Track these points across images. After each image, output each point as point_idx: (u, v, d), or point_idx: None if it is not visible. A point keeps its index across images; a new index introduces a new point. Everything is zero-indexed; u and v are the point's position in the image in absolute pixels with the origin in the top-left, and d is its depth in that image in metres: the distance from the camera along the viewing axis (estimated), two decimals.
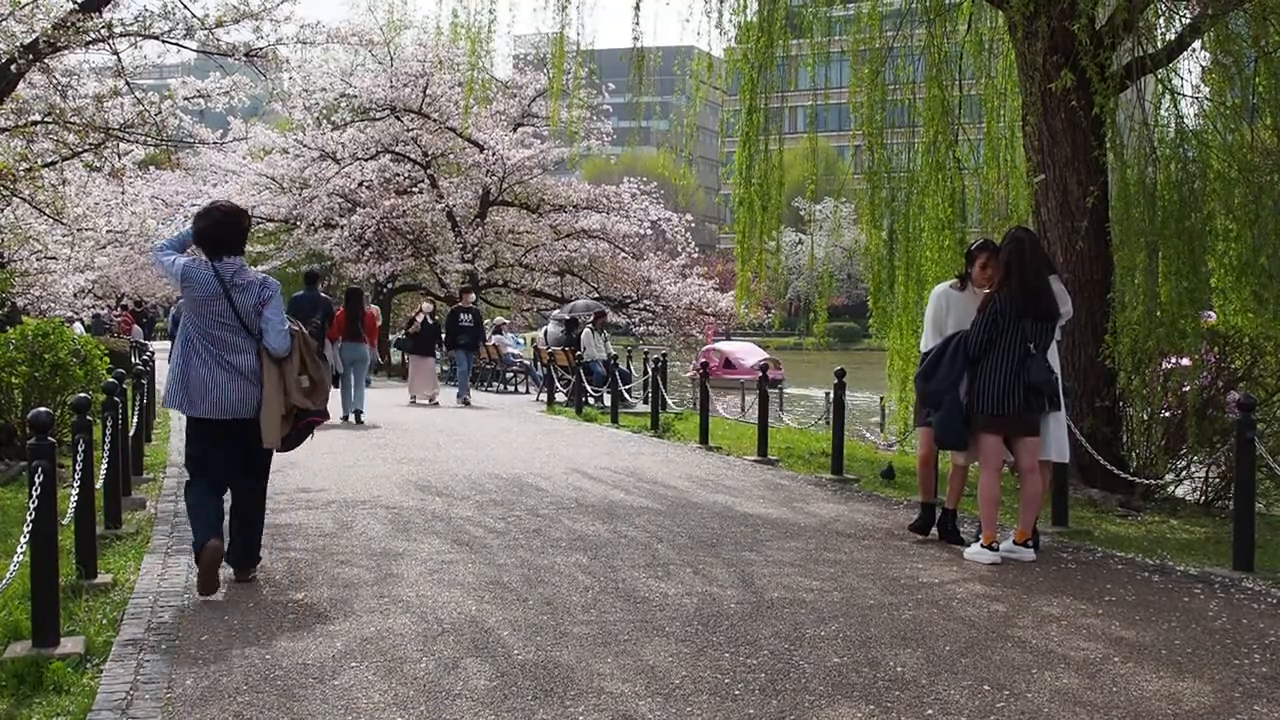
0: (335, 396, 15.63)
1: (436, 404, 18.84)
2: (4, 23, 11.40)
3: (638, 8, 12.19)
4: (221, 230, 6.10)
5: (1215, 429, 9.07)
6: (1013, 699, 4.39)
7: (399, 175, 29.89)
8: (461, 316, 19.87)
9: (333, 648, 5.01)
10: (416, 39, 30.03)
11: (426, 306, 20.25)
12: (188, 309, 6.10)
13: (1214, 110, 9.60)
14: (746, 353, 36.91)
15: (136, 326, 30.73)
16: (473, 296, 21.70)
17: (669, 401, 16.88)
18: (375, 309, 19.31)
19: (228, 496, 6.28)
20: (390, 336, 29.57)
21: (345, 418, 15.42)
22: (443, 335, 20.12)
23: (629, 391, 19.05)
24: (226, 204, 6.49)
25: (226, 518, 6.22)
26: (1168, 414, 9.49)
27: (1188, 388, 9.14)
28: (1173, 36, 9.73)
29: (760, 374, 12.67)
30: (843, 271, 63.65)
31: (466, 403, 19.07)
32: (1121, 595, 6.12)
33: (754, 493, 9.65)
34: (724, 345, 31.09)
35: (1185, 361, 9.12)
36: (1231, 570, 6.58)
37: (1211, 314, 9.56)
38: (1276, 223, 8.82)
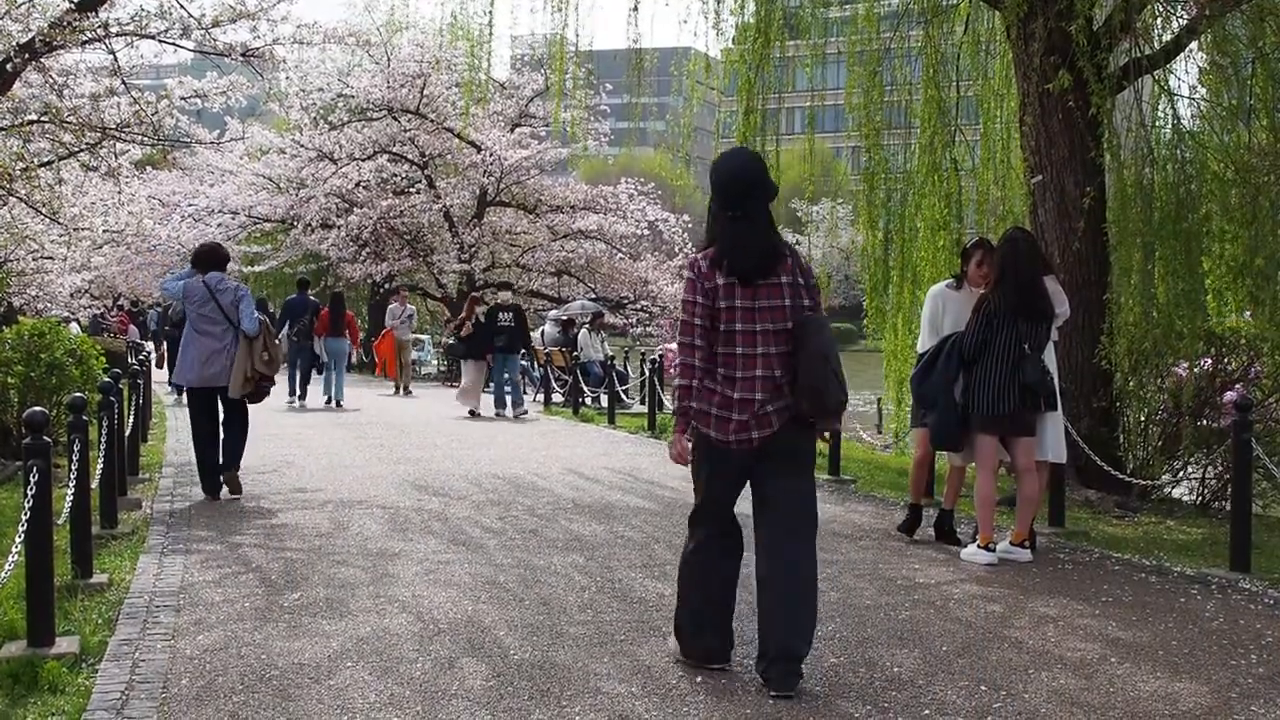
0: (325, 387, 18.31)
1: (477, 415, 16.67)
2: (0, 21, 11.38)
3: (635, 9, 12.21)
4: (209, 256, 9.30)
5: (1212, 430, 9.08)
6: (1009, 699, 4.39)
7: (396, 175, 29.87)
8: (501, 316, 17.22)
9: (329, 647, 5.00)
10: (414, 39, 29.94)
11: (480, 309, 17.76)
12: (189, 314, 9.13)
13: (1211, 111, 9.62)
14: None
15: (133, 326, 30.63)
16: (508, 294, 19.18)
17: (666, 402, 16.87)
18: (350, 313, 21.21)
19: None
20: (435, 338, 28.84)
21: (328, 402, 18.03)
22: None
23: (626, 392, 19.04)
24: (214, 242, 10.06)
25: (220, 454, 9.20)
26: (1164, 415, 9.50)
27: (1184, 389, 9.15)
28: (1170, 38, 9.74)
29: None
30: (840, 273, 63.51)
31: (520, 416, 16.78)
32: (1118, 596, 6.12)
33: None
34: (674, 345, 31.15)
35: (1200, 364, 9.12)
36: (1228, 571, 6.58)
37: (1248, 314, 9.46)
38: (1273, 223, 8.84)
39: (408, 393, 21.43)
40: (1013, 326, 6.82)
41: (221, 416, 9.19)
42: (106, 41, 11.87)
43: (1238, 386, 8.86)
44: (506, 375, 17.07)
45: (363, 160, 29.06)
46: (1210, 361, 9.27)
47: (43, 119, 12.40)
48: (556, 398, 19.67)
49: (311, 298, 19.84)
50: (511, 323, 17.21)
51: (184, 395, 12.89)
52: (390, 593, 5.98)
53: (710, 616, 4.69)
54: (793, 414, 4.50)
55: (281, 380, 17.13)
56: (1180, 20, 9.83)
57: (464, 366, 17.81)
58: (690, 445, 4.62)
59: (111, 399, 7.85)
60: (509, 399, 16.97)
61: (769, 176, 4.66)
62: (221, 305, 8.97)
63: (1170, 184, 9.18)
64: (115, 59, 12.28)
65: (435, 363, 30.08)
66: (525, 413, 17.05)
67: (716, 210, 4.61)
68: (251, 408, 9.34)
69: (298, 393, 18.30)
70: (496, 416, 16.71)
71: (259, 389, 9.09)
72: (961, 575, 6.58)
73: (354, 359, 24.93)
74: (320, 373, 18.74)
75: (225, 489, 9.07)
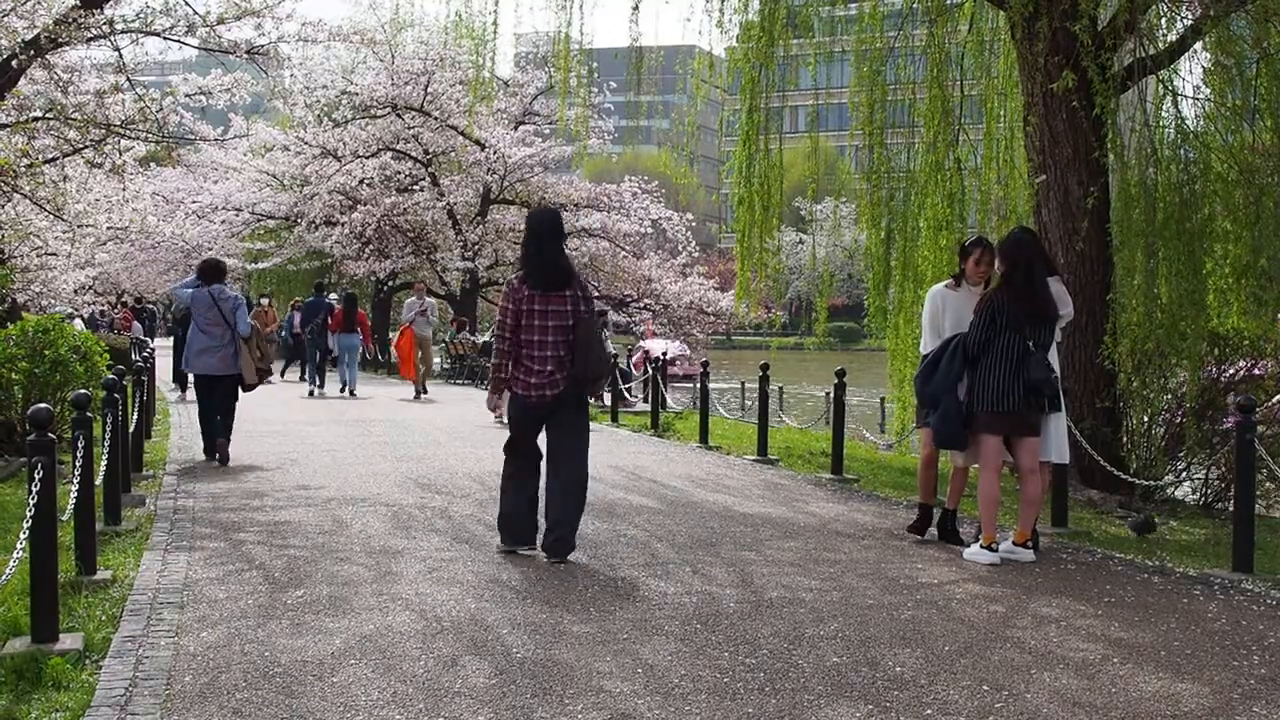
0: (333, 378, 19.98)
1: None
2: (6, 18, 11.41)
3: (636, 7, 12.21)
4: (212, 270, 11.22)
5: (1215, 430, 9.08)
6: (1011, 699, 4.40)
7: (400, 173, 29.87)
8: None
9: (332, 645, 5.01)
10: (418, 37, 29.96)
11: None
12: (195, 316, 11.04)
13: (1215, 111, 9.60)
14: (659, 349, 36.93)
15: (136, 323, 30.63)
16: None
17: (669, 400, 16.88)
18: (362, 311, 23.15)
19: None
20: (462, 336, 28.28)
21: (346, 391, 19.85)
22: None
23: (629, 390, 19.05)
24: (216, 258, 11.87)
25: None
26: (1167, 415, 9.50)
27: (1185, 389, 9.16)
28: (1174, 38, 9.74)
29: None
30: (843, 271, 63.60)
31: None
32: (1120, 596, 6.12)
33: (753, 492, 9.65)
34: (646, 343, 31.04)
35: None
36: (1231, 572, 6.58)
37: None
38: (1276, 224, 8.83)
39: (424, 392, 19.98)
40: (1016, 325, 6.82)
41: (217, 399, 11.24)
42: (111, 38, 11.90)
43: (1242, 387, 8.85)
44: None
45: (366, 158, 29.08)
46: (1214, 365, 9.26)
47: (47, 115, 12.44)
48: None
49: (327, 299, 22.43)
50: None
51: (187, 392, 15.83)
52: (393, 590, 5.99)
53: (521, 517, 6.92)
54: (571, 380, 6.79)
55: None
56: (1184, 20, 9.82)
57: None
58: (501, 402, 7.08)
59: (115, 396, 7.86)
60: None
61: (563, 225, 7.12)
62: (222, 312, 10.91)
63: (1174, 184, 9.18)
64: (120, 56, 12.32)
65: (439, 360, 30.08)
66: None
67: (528, 245, 6.96)
68: (263, 404, 11.48)
69: (317, 382, 20.47)
70: None
71: (259, 378, 11.36)
72: (964, 575, 6.58)
73: (365, 354, 25.37)
74: (334, 366, 21.03)
75: (218, 457, 11.02)
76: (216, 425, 11.10)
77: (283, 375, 22.50)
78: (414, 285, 24.16)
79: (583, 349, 6.77)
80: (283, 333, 25.08)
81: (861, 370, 24.25)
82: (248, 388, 11.23)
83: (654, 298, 29.70)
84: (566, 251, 7.17)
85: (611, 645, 5.04)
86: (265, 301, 24.62)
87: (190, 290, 11.13)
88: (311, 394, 19.93)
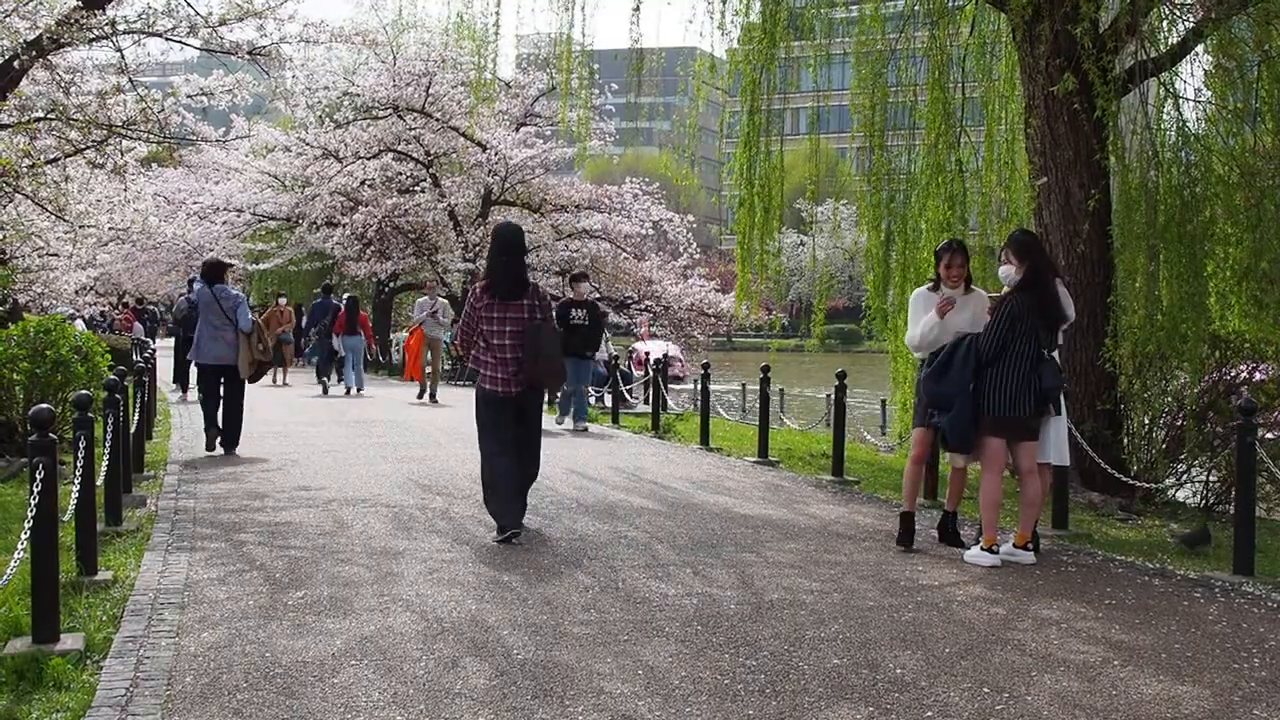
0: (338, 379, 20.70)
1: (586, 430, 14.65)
2: (8, 19, 11.42)
3: (637, 9, 12.24)
4: (214, 270, 11.96)
5: (1215, 433, 9.08)
6: (1012, 702, 4.40)
7: (401, 174, 29.87)
8: (574, 312, 14.54)
9: (332, 646, 5.01)
10: (420, 38, 29.95)
11: (586, 288, 15.47)
12: (202, 313, 11.85)
13: (1216, 114, 9.61)
14: (656, 350, 37.02)
15: (137, 324, 30.65)
16: (586, 287, 15.99)
17: (669, 402, 16.86)
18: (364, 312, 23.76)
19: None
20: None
21: (347, 391, 20.73)
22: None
23: (629, 392, 19.05)
24: (218, 258, 12.78)
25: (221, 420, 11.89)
26: (1168, 418, 9.50)
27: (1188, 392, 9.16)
28: (1175, 40, 9.73)
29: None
30: (844, 273, 63.56)
31: (580, 431, 14.47)
32: (1121, 599, 6.12)
33: (754, 494, 9.65)
34: (641, 345, 31.03)
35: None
36: (1231, 574, 6.58)
37: None
38: (1278, 227, 8.83)
39: (434, 400, 18.93)
40: (1033, 330, 6.81)
41: (223, 393, 11.88)
42: (114, 39, 11.91)
43: (1243, 390, 8.85)
44: (573, 384, 14.19)
45: (368, 159, 29.08)
46: (1215, 368, 9.26)
47: (49, 116, 12.44)
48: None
49: (333, 301, 23.22)
50: (586, 321, 14.57)
51: (188, 393, 17.29)
52: (394, 591, 5.99)
53: (503, 499, 7.50)
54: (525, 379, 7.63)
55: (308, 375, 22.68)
56: (1186, 23, 9.82)
57: None
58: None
59: (117, 396, 7.86)
60: (572, 408, 14.82)
61: (524, 240, 7.97)
62: (224, 309, 11.67)
63: (1175, 187, 9.18)
64: (122, 56, 12.34)
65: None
66: (586, 429, 14.65)
67: (494, 257, 7.78)
68: (265, 404, 12.10)
69: (325, 382, 21.48)
70: (557, 425, 14.59)
71: (259, 371, 12.04)
72: (965, 577, 6.59)
73: (367, 355, 25.52)
74: (340, 368, 21.90)
75: (221, 449, 11.74)
76: (217, 414, 11.80)
77: (325, 383, 21.53)
78: (426, 285, 24.26)
79: (531, 352, 7.57)
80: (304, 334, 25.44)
81: (862, 372, 24.24)
82: (249, 379, 12.01)
83: (655, 299, 29.69)
84: (527, 263, 7.96)
85: (612, 646, 5.05)
86: (283, 301, 24.93)
87: (197, 289, 12.20)
88: (325, 392, 20.84)
